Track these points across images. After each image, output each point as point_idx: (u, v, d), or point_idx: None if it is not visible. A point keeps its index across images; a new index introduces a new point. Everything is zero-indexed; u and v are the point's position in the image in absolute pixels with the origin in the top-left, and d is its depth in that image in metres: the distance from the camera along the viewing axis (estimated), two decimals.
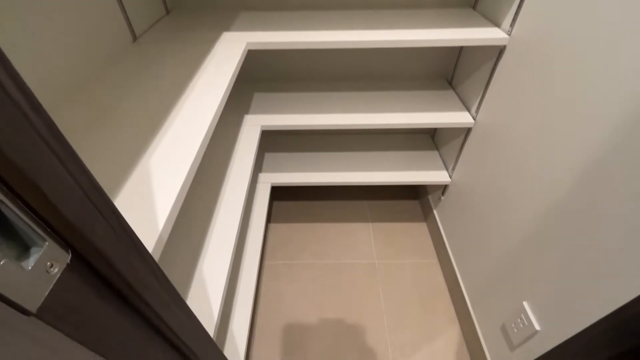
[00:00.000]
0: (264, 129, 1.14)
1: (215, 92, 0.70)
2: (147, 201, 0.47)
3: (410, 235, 1.49)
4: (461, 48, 1.23)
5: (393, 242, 1.47)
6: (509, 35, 0.91)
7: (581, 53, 0.67)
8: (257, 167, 1.37)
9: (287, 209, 1.61)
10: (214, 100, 0.68)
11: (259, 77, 1.35)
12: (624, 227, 0.56)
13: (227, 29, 0.99)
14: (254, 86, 1.33)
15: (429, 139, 1.52)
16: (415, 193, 1.68)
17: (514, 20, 0.89)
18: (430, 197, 1.51)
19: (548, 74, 0.76)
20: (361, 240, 1.47)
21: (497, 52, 0.96)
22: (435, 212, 1.44)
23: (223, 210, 0.87)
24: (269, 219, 1.56)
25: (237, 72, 0.80)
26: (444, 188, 1.36)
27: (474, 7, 1.12)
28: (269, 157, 1.42)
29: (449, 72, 1.33)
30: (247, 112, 1.19)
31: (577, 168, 0.67)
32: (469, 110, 1.16)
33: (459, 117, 1.13)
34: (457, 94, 1.25)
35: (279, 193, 1.66)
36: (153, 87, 0.72)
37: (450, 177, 1.30)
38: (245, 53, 0.89)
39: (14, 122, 0.17)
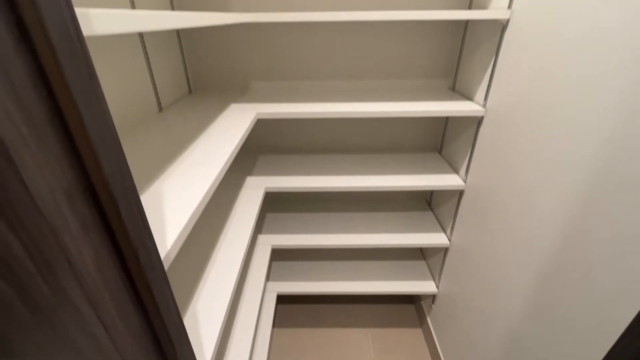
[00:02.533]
0: (268, 190, 1.21)
1: (226, 148, 0.79)
2: None
3: (407, 343, 1.54)
4: (446, 121, 1.38)
5: (392, 350, 1.50)
6: (484, 107, 1.05)
7: (540, 121, 0.77)
8: (265, 276, 1.41)
9: (290, 313, 1.67)
10: (225, 152, 0.76)
11: (264, 145, 1.49)
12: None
13: (240, 101, 1.15)
14: (260, 151, 1.46)
15: (418, 254, 1.58)
16: (410, 298, 1.77)
17: (487, 95, 1.03)
18: (423, 303, 1.62)
19: (519, 138, 0.86)
20: (361, 350, 1.50)
21: (477, 122, 1.09)
22: (428, 319, 1.52)
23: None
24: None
25: (246, 135, 0.91)
26: (433, 297, 1.48)
27: (453, 89, 1.31)
28: (275, 265, 1.48)
29: (438, 143, 1.46)
30: (250, 174, 1.29)
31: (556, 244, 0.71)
32: (457, 172, 1.24)
33: (451, 180, 1.21)
34: (445, 158, 1.36)
35: (281, 297, 1.72)
36: (169, 141, 0.82)
37: (437, 287, 1.44)
38: (255, 121, 1.03)
39: None
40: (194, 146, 0.81)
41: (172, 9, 1.17)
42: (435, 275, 1.47)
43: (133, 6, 0.92)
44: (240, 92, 1.31)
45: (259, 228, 1.46)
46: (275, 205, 1.61)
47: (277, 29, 1.24)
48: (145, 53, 0.98)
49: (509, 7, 0.91)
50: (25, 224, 0.23)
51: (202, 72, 1.32)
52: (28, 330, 0.27)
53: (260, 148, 1.49)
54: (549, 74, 0.75)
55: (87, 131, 0.25)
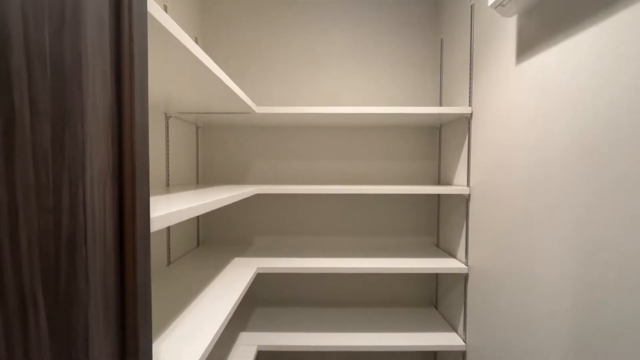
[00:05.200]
0: (260, 349, 1.16)
1: (228, 297, 0.84)
2: None
3: None
4: (437, 276, 1.44)
5: None
6: (467, 265, 1.14)
7: (507, 279, 0.85)
8: None
9: None
10: (226, 305, 0.80)
11: (260, 297, 1.50)
12: None
13: (243, 255, 1.26)
14: (255, 304, 1.46)
15: None
16: None
17: (467, 253, 1.15)
18: None
19: (502, 295, 0.92)
20: None
21: (463, 278, 1.16)
22: None
23: None
24: None
25: (245, 290, 0.97)
26: None
27: (437, 245, 1.44)
28: None
29: (432, 297, 1.48)
30: (244, 329, 1.25)
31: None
32: (455, 330, 1.21)
33: (448, 340, 1.17)
34: (441, 314, 1.34)
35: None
36: (172, 295, 0.87)
37: None
38: (255, 275, 1.10)
39: None
40: (195, 302, 0.86)
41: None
42: None
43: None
44: (244, 246, 1.44)
45: None
46: None
47: (281, 196, 1.48)
48: None
49: (467, 184, 1.14)
50: None
51: (212, 229, 1.48)
52: None
53: (256, 300, 1.49)
54: (505, 240, 0.88)
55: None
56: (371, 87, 1.46)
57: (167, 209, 0.52)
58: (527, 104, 0.82)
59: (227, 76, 0.80)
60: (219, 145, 1.48)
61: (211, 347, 0.70)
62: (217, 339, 0.73)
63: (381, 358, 1.49)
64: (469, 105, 1.13)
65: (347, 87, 1.46)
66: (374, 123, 1.36)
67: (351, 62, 1.45)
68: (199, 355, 0.63)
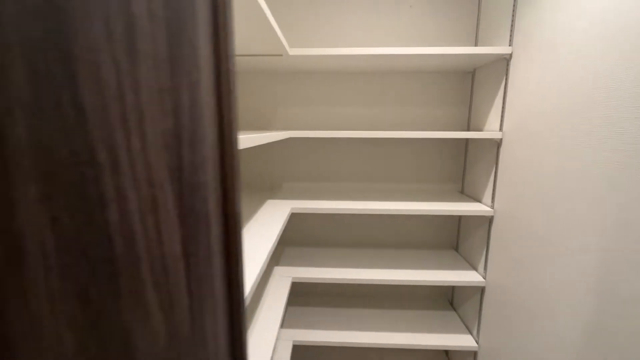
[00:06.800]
0: (294, 280, 1.27)
1: (269, 234, 0.91)
2: None
3: None
4: (460, 220, 1.50)
5: None
6: (493, 208, 1.18)
7: (541, 221, 0.89)
8: None
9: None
10: (267, 241, 0.88)
11: (289, 238, 1.60)
12: None
13: (275, 198, 1.33)
14: (285, 243, 1.56)
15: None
16: None
17: (493, 197, 1.18)
18: None
19: (528, 237, 0.96)
20: None
21: (488, 221, 1.21)
22: None
23: None
24: None
25: (283, 228, 1.04)
26: None
27: (462, 192, 1.47)
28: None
29: (454, 240, 1.55)
30: (277, 264, 1.37)
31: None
32: (475, 269, 1.29)
33: (468, 276, 1.25)
34: (462, 255, 1.42)
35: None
36: None
37: None
38: (290, 214, 1.17)
39: None
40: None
41: None
42: None
43: None
44: (274, 190, 1.51)
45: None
46: (296, 299, 1.62)
47: (309, 140, 1.51)
48: None
49: (500, 129, 1.14)
50: None
51: (242, 174, 1.55)
52: None
53: (285, 240, 1.60)
54: (536, 184, 0.90)
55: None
56: (400, 28, 1.39)
57: None
58: (579, 39, 0.78)
59: (268, 9, 0.79)
60: (246, 91, 1.49)
61: (259, 279, 0.78)
62: (263, 271, 0.82)
63: (403, 291, 1.61)
64: (509, 45, 1.08)
65: (375, 27, 1.40)
66: (405, 67, 1.32)
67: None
68: (250, 284, 0.72)
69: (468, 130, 1.43)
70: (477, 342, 1.26)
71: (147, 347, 0.35)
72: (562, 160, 0.83)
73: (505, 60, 1.10)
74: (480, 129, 1.31)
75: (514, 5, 1.06)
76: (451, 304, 1.56)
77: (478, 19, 1.35)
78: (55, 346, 0.35)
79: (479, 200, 1.30)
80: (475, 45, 1.36)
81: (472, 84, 1.40)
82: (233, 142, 0.33)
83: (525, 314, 0.97)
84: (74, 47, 0.29)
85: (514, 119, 1.06)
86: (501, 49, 1.07)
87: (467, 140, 1.44)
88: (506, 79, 1.11)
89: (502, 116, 1.13)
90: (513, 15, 1.06)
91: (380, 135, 1.16)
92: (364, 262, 1.39)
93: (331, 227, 1.58)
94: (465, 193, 1.44)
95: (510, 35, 1.07)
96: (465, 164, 1.45)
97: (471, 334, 1.32)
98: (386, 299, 1.59)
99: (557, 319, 0.83)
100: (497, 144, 1.15)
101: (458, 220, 1.51)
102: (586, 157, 0.75)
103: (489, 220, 1.20)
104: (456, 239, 1.53)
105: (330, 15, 1.40)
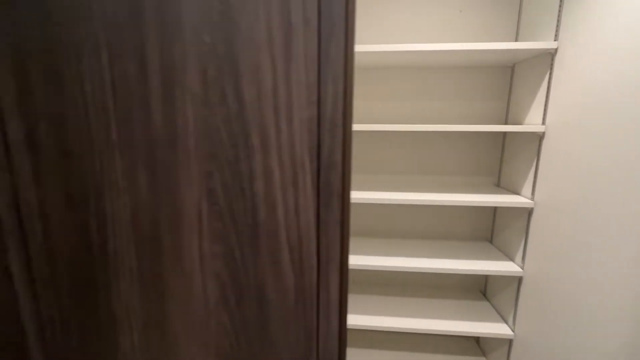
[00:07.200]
0: None
1: None
2: None
3: None
4: (495, 213, 1.53)
5: None
6: (533, 200, 1.20)
7: (587, 213, 0.92)
8: None
9: None
10: None
11: None
12: None
13: None
14: None
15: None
16: None
17: (534, 190, 1.20)
18: None
19: (573, 228, 0.99)
20: None
21: (527, 213, 1.24)
22: None
23: None
24: None
25: None
26: None
27: (498, 185, 1.50)
28: None
29: (488, 233, 1.58)
30: None
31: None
32: (512, 260, 1.33)
33: (504, 266, 1.29)
34: (496, 247, 1.45)
35: None
36: None
37: None
38: None
39: None
40: None
41: None
42: None
43: None
44: None
45: None
46: None
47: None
48: None
49: (543, 123, 1.16)
50: None
51: None
52: None
53: None
54: (587, 176, 0.93)
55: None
56: (440, 24, 1.42)
57: None
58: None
59: None
60: None
61: None
62: None
63: (435, 280, 1.66)
64: (555, 40, 1.10)
65: (416, 24, 1.43)
66: (443, 62, 1.35)
67: None
68: None
69: (506, 124, 1.45)
70: (513, 331, 1.30)
71: (279, 301, 0.42)
72: (611, 155, 0.85)
73: (550, 55, 1.12)
74: (519, 123, 1.33)
75: (560, 1, 1.08)
76: (484, 294, 1.59)
77: (519, 15, 1.36)
78: (201, 297, 0.43)
79: (517, 193, 1.33)
80: (516, 40, 1.38)
81: (512, 79, 1.42)
82: (351, 128, 0.39)
83: (568, 306, 1.00)
84: (240, 51, 0.35)
85: (558, 113, 1.08)
86: (547, 44, 1.09)
87: (504, 133, 1.47)
88: (550, 74, 1.13)
89: (544, 110, 1.15)
90: (559, 11, 1.08)
91: (418, 129, 1.20)
92: (398, 251, 1.44)
93: (366, 217, 1.63)
94: (502, 186, 1.47)
95: (556, 30, 1.09)
96: (502, 157, 1.48)
97: (506, 322, 1.36)
98: (418, 288, 1.64)
99: (602, 312, 0.86)
100: (539, 137, 1.18)
101: (493, 212, 1.54)
102: (636, 152, 0.78)
103: (529, 212, 1.23)
104: (491, 230, 1.56)
105: (369, 11, 1.44)
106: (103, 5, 0.36)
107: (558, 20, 1.09)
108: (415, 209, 1.60)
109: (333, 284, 0.40)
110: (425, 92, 1.49)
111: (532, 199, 1.21)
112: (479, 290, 1.63)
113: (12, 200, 0.42)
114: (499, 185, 1.50)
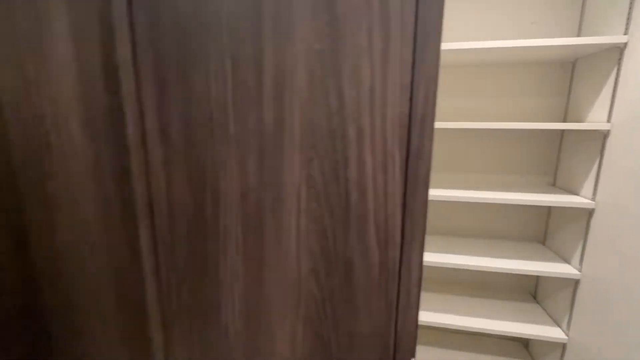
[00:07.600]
0: None
1: None
2: None
3: None
4: (549, 213, 1.48)
5: None
6: (594, 201, 1.16)
7: None
8: None
9: None
10: None
11: None
12: None
13: None
14: None
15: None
16: None
17: (595, 190, 1.16)
18: None
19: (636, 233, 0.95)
20: None
21: (587, 213, 1.19)
22: None
23: None
24: None
25: None
26: None
27: (553, 184, 1.45)
28: None
29: (541, 234, 1.53)
30: None
31: None
32: (568, 262, 1.28)
33: (559, 268, 1.25)
34: (550, 249, 1.41)
35: None
36: None
37: None
38: None
39: None
40: None
41: None
42: None
43: None
44: None
45: None
46: None
47: None
48: None
49: (608, 120, 1.11)
50: None
51: None
52: None
53: None
54: None
55: None
56: (497, 18, 1.40)
57: None
58: None
59: None
60: None
61: None
62: None
63: (484, 280, 1.64)
64: (625, 34, 1.05)
65: (471, 20, 1.42)
66: (500, 59, 1.33)
67: None
68: None
69: (564, 121, 1.39)
70: (567, 335, 1.26)
71: (364, 274, 0.47)
72: None
73: (618, 50, 1.07)
74: (580, 120, 1.28)
75: None
76: (534, 297, 1.55)
77: (582, 9, 1.30)
78: (295, 268, 0.50)
79: (575, 193, 1.28)
80: (578, 35, 1.32)
81: (572, 75, 1.36)
82: (433, 124, 0.44)
83: (631, 313, 0.96)
84: (343, 57, 0.41)
85: (628, 110, 1.03)
86: (616, 38, 1.04)
87: (562, 131, 1.41)
88: (618, 69, 1.08)
89: (610, 107, 1.11)
90: (631, 4, 1.03)
91: (472, 126, 1.20)
92: (446, 248, 1.44)
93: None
94: (557, 185, 1.42)
95: (627, 24, 1.04)
96: (559, 156, 1.42)
97: (559, 326, 1.32)
98: (464, 287, 1.63)
99: None
100: (604, 135, 1.13)
101: (547, 213, 1.49)
102: None
103: (589, 213, 1.18)
104: (544, 231, 1.51)
105: None
106: (229, 19, 0.44)
107: (629, 14, 1.04)
108: (463, 207, 1.59)
109: (415, 261, 0.45)
110: (479, 89, 1.47)
111: (593, 199, 1.17)
112: (529, 293, 1.59)
113: (146, 184, 0.51)
114: (554, 184, 1.45)
